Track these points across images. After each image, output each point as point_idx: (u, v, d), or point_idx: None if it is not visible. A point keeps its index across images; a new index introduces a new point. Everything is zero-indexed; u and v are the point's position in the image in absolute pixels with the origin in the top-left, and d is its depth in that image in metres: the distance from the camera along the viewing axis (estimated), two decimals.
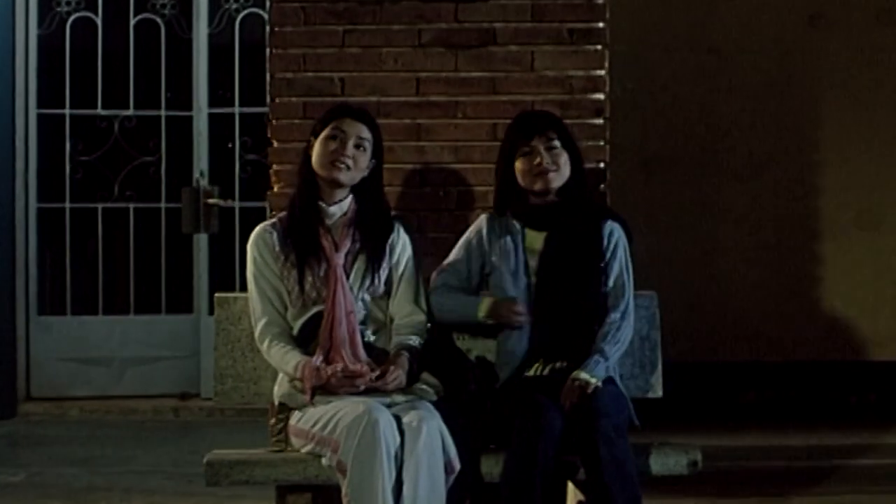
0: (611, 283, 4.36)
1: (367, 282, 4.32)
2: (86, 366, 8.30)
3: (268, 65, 5.05)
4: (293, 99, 5.02)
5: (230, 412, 7.81)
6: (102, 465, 6.55)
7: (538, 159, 4.35)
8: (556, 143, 4.37)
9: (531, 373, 4.30)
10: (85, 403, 8.12)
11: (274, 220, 4.43)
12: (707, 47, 8.08)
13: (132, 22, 8.39)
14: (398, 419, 4.02)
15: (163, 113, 8.41)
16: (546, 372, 4.28)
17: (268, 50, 5.08)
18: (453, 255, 4.47)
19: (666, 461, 4.22)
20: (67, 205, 8.37)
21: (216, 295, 4.57)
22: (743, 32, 8.08)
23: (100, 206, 8.39)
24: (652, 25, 8.02)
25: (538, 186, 4.37)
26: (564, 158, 4.38)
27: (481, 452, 4.15)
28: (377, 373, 4.15)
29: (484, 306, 4.34)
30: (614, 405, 4.14)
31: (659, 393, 4.57)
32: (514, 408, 4.10)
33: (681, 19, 8.09)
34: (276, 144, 5.04)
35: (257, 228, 4.39)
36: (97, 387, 8.30)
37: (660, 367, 4.57)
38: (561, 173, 4.37)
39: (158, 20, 8.42)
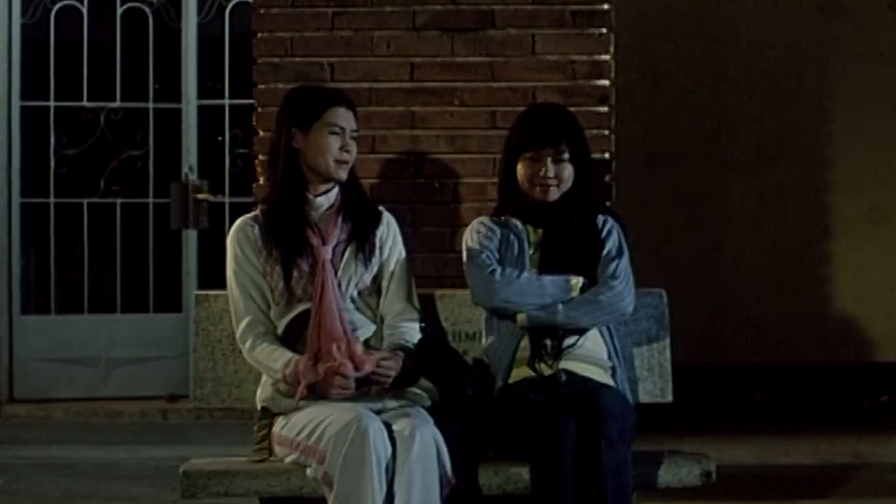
0: (602, 257, 4.23)
1: (357, 277, 4.15)
2: (71, 366, 8.25)
3: (253, 49, 4.96)
4: (280, 85, 4.90)
5: (219, 414, 7.76)
6: (84, 471, 6.45)
7: (542, 171, 4.22)
8: (566, 154, 4.23)
9: (538, 371, 4.15)
10: (70, 405, 8.06)
11: (255, 212, 4.25)
12: (714, 36, 8.04)
13: (119, 11, 8.35)
14: (389, 427, 3.84)
15: (150, 105, 8.37)
16: (553, 368, 4.13)
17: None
18: (479, 244, 4.24)
19: (678, 472, 4.05)
20: (52, 200, 8.33)
21: (195, 293, 4.44)
22: (751, 21, 8.04)
23: (85, 201, 8.34)
24: (656, 14, 7.98)
25: (535, 196, 4.25)
26: (569, 172, 4.24)
27: (479, 462, 3.98)
28: (376, 358, 3.96)
29: (577, 284, 4.19)
30: (620, 410, 4.01)
31: (669, 397, 4.41)
32: (525, 419, 3.94)
33: (686, 7, 8.06)
34: (261, 133, 4.93)
35: (238, 222, 4.21)
36: (82, 388, 8.25)
37: (669, 369, 4.42)
38: (562, 187, 4.25)
39: (146, 9, 8.38)
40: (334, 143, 4.12)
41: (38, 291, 8.36)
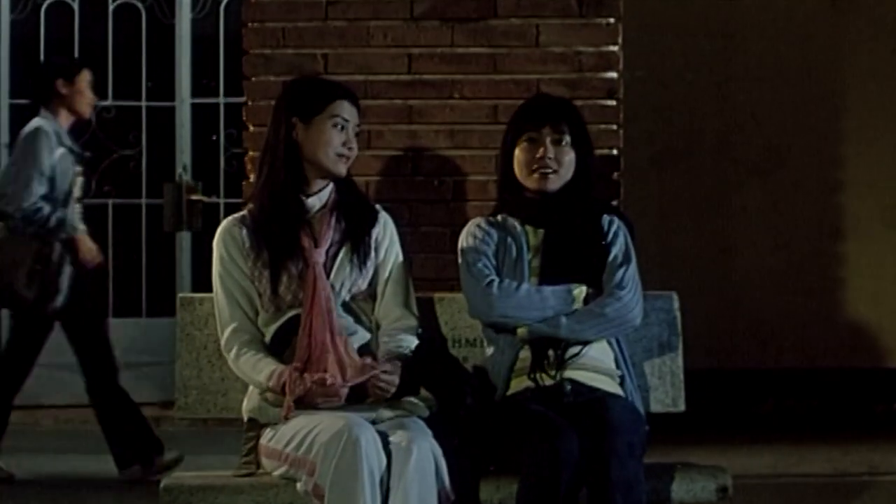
0: (608, 264, 4.06)
1: (350, 281, 3.97)
2: (61, 372, 7.95)
3: (243, 40, 4.94)
4: (271, 78, 4.88)
5: (214, 421, 7.54)
6: (70, 481, 6.41)
7: (541, 151, 4.02)
8: (567, 138, 4.05)
9: (538, 382, 3.98)
10: (59, 412, 8.02)
11: (243, 213, 4.08)
12: (723, 32, 8.05)
13: (111, 7, 8.35)
14: (384, 438, 3.68)
15: (143, 104, 8.35)
16: (556, 378, 3.95)
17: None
18: (475, 251, 4.07)
19: (692, 487, 3.89)
20: None
21: (179, 295, 4.26)
22: (761, 16, 8.07)
23: None
24: (664, 9, 7.97)
25: (532, 185, 4.05)
26: (570, 158, 4.06)
27: (480, 476, 3.83)
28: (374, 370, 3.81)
29: (581, 294, 4.00)
30: (629, 421, 3.84)
31: (681, 407, 4.25)
32: (524, 430, 3.77)
33: (695, 2, 8.07)
34: (252, 129, 4.91)
35: (224, 223, 4.04)
36: (73, 394, 7.93)
37: (682, 377, 4.26)
38: (561, 175, 4.05)
39: (139, 5, 8.38)
40: (337, 136, 3.97)
41: None
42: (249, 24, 4.84)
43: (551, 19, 4.81)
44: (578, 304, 3.98)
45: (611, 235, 4.08)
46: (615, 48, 4.82)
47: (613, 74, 4.81)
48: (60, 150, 5.99)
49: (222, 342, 3.96)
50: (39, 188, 5.92)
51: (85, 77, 6.14)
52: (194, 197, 7.81)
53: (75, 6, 8.23)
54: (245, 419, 3.97)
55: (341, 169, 3.98)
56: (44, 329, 6.36)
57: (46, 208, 5.96)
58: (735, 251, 8.04)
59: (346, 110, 3.98)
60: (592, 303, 3.99)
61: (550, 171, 4.01)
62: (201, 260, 8.15)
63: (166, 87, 8.25)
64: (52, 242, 6.05)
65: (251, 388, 3.95)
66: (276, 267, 3.91)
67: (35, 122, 6.04)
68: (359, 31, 4.83)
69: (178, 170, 8.10)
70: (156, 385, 8.05)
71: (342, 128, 3.97)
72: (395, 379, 3.83)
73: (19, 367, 6.46)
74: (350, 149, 3.98)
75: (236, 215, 4.06)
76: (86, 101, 6.16)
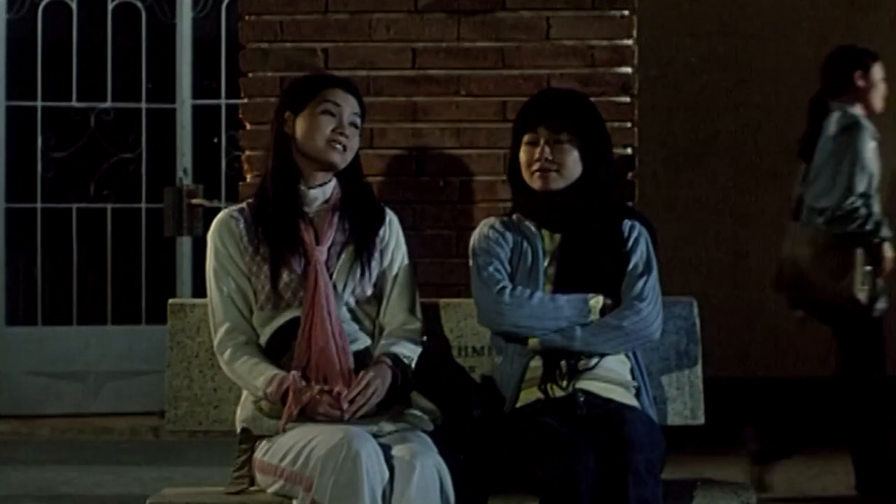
0: (627, 273, 3.93)
1: (354, 282, 3.82)
2: (58, 381, 8.17)
3: (239, 34, 4.83)
4: (269, 73, 4.80)
5: (215, 432, 7.42)
6: (64, 494, 6.28)
7: (538, 153, 3.90)
8: (564, 135, 3.90)
9: (549, 393, 3.84)
10: (56, 422, 7.95)
11: (241, 205, 3.94)
12: (738, 32, 8.00)
13: (110, 6, 8.28)
14: (387, 452, 3.53)
15: (143, 105, 8.29)
16: (568, 389, 3.82)
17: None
18: (487, 254, 3.93)
19: None
20: (39, 205, 8.25)
21: (170, 301, 4.12)
22: (777, 15, 8.02)
23: (74, 206, 8.26)
24: (678, 8, 7.93)
25: (535, 185, 3.92)
26: (573, 157, 3.90)
27: (488, 494, 3.69)
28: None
29: (597, 304, 3.85)
30: (647, 437, 3.69)
31: (701, 419, 4.12)
32: (536, 447, 3.62)
33: (710, 1, 8.02)
34: (248, 127, 4.78)
35: (220, 215, 3.90)
36: (70, 404, 8.17)
37: (701, 387, 4.13)
38: (564, 175, 3.91)
39: (139, 4, 8.31)
40: (326, 123, 3.80)
41: (25, 302, 8.28)
42: (246, 17, 4.73)
43: (562, 12, 4.71)
44: (595, 315, 3.83)
45: (631, 242, 3.94)
46: (629, 42, 4.71)
47: (628, 69, 4.70)
48: (872, 144, 5.86)
49: (215, 343, 3.82)
50: (860, 185, 5.79)
51: (878, 70, 6.07)
52: (195, 201, 7.64)
53: (74, 6, 8.15)
54: (238, 430, 3.83)
55: (333, 157, 3.80)
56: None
57: (863, 208, 5.81)
58: (750, 256, 7.96)
59: (339, 97, 3.83)
60: (610, 314, 3.84)
61: (550, 171, 3.88)
62: (202, 266, 8.06)
63: (167, 88, 8.18)
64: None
65: (245, 395, 3.80)
66: (276, 261, 3.77)
67: (851, 114, 5.91)
68: (360, 24, 4.72)
69: (179, 173, 8.03)
70: (155, 394, 7.84)
71: (333, 114, 3.80)
72: (371, 392, 3.65)
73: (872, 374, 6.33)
74: (343, 135, 3.80)
75: (233, 207, 3.92)
76: (880, 95, 6.07)
